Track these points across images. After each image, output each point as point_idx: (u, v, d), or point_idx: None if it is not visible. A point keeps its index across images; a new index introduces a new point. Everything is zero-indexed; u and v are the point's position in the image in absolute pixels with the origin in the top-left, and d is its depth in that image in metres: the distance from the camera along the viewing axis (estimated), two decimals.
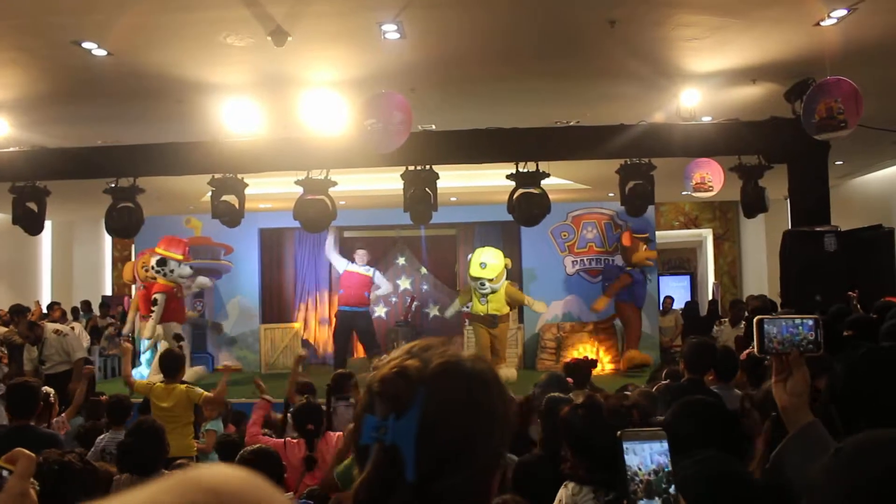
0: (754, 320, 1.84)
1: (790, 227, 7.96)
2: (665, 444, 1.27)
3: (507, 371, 10.77)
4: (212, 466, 0.54)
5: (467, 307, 11.60)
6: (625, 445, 1.25)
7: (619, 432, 1.29)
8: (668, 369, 6.02)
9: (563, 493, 2.60)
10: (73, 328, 9.49)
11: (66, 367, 8.21)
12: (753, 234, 16.44)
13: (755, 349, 1.87)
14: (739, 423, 2.73)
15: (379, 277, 12.20)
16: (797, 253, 7.48)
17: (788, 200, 8.33)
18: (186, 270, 11.33)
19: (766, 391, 2.76)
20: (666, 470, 1.25)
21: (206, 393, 5.97)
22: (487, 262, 11.05)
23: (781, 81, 7.70)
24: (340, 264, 12.27)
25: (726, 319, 10.26)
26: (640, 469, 1.24)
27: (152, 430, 4.38)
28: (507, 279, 11.38)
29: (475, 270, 11.02)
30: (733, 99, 8.28)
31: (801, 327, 1.84)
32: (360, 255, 12.08)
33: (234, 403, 7.88)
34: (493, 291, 10.99)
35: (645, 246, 12.44)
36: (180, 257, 11.21)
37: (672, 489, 1.24)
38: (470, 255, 11.37)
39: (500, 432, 1.09)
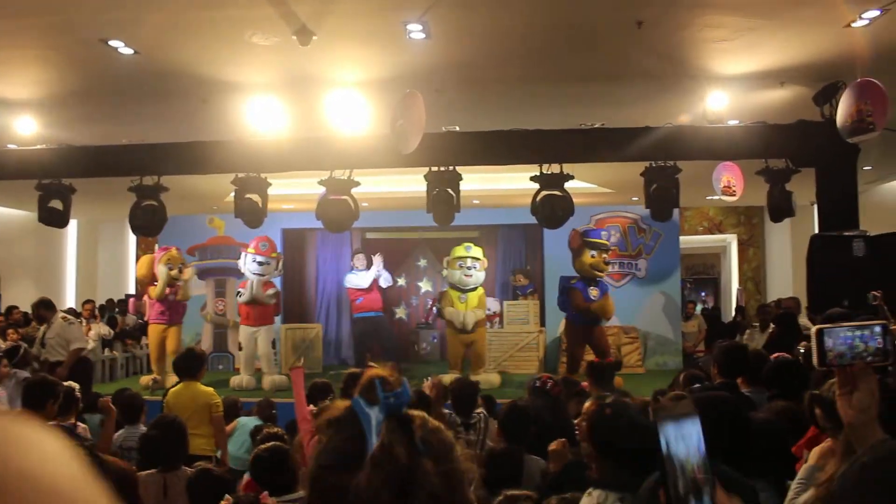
0: (813, 331, 1.70)
1: (817, 232, 7.85)
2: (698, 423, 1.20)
3: (489, 377, 10.56)
4: None
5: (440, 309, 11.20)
6: (664, 430, 1.18)
7: (651, 413, 1.26)
8: (687, 373, 5.93)
9: (586, 501, 2.51)
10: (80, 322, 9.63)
11: (62, 358, 8.26)
12: (778, 239, 16.26)
13: (815, 362, 1.72)
14: (751, 428, 2.62)
15: (380, 273, 12.02)
16: (825, 258, 7.35)
17: (816, 205, 8.21)
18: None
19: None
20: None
21: (220, 412, 6.00)
22: (471, 246, 11.02)
23: (810, 84, 7.61)
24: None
25: (756, 324, 10.15)
26: (688, 461, 1.17)
27: (176, 424, 4.42)
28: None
29: (460, 252, 10.92)
30: (761, 102, 8.18)
31: (865, 336, 1.66)
32: (359, 258, 12.01)
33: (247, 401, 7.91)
34: (476, 286, 10.81)
35: (593, 253, 10.44)
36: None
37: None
38: (447, 258, 11.24)
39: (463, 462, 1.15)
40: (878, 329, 1.67)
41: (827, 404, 2.60)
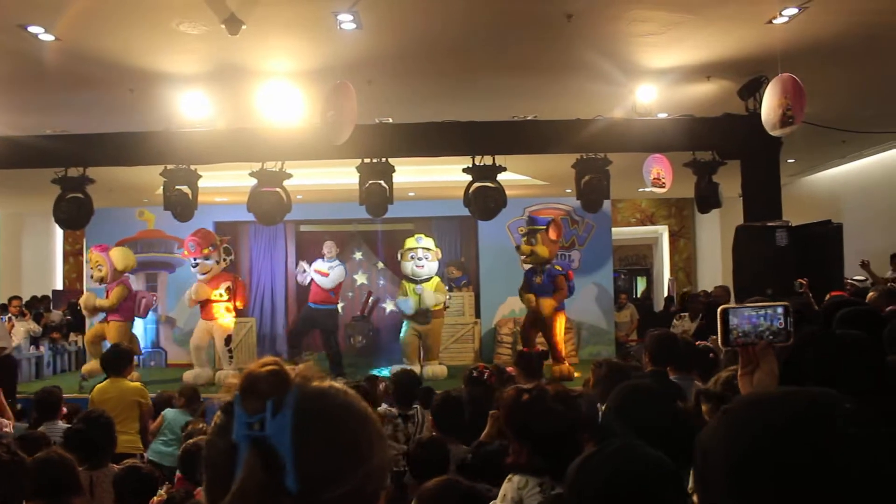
0: (718, 310, 1.74)
1: (743, 223, 8.06)
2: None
3: (436, 368, 10.55)
4: None
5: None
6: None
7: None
8: (606, 361, 6.00)
9: (507, 486, 2.51)
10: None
11: None
12: (708, 230, 16.66)
13: (719, 341, 1.75)
14: (683, 417, 2.67)
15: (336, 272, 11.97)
16: (749, 247, 7.57)
17: (742, 197, 8.44)
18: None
19: (724, 382, 2.70)
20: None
21: (150, 406, 5.92)
22: (422, 237, 11.00)
23: (735, 78, 7.80)
24: (310, 274, 11.93)
25: (686, 314, 10.38)
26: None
27: (102, 419, 4.33)
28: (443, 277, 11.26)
29: (411, 243, 10.91)
30: (688, 95, 8.35)
31: (769, 316, 1.73)
32: (328, 246, 11.85)
33: None
34: (429, 276, 10.81)
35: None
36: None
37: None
38: (400, 250, 11.21)
39: (380, 445, 1.03)
40: (780, 310, 1.74)
41: (713, 399, 2.66)
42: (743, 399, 0.96)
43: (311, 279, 11.47)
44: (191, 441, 4.23)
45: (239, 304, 11.19)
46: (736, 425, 0.90)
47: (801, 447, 0.83)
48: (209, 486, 1.00)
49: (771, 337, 1.73)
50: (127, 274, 10.76)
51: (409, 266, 10.84)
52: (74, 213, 8.30)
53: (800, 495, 0.81)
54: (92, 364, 10.28)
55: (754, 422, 0.89)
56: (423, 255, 10.80)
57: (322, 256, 11.64)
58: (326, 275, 11.34)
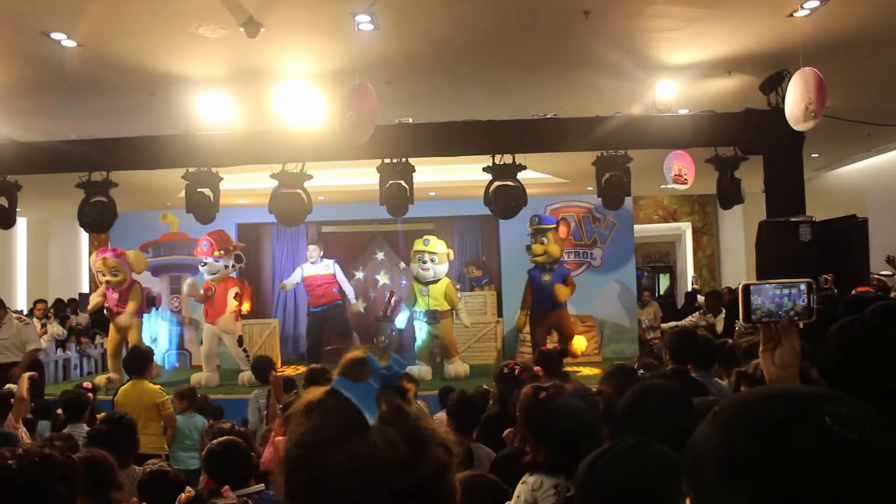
0: (740, 287, 1.71)
1: (766, 219, 7.98)
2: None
3: (458, 367, 10.51)
4: None
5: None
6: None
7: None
8: (641, 361, 5.98)
9: (521, 488, 2.50)
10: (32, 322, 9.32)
11: (17, 360, 8.08)
12: (732, 227, 16.52)
13: (741, 318, 1.72)
14: (698, 416, 2.65)
15: (340, 276, 12.24)
16: (772, 243, 7.50)
17: (765, 193, 8.36)
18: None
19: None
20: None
21: (170, 408, 5.94)
22: (430, 240, 10.95)
23: (756, 73, 7.73)
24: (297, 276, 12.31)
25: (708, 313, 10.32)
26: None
27: (125, 420, 4.37)
28: (450, 277, 11.22)
29: (418, 246, 10.88)
30: (709, 91, 8.29)
31: (791, 293, 1.69)
32: (312, 250, 12.06)
33: (211, 399, 7.85)
34: (436, 279, 10.74)
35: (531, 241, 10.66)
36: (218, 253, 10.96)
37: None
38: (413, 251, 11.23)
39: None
40: (803, 287, 1.70)
41: (754, 382, 2.63)
42: (733, 400, 0.96)
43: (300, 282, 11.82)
44: (215, 441, 4.23)
45: (245, 309, 11.25)
46: (727, 428, 0.90)
47: (789, 451, 0.83)
48: (331, 442, 1.05)
49: (795, 316, 1.70)
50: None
51: (415, 268, 10.85)
52: (98, 217, 8.38)
53: (789, 498, 0.82)
54: (101, 379, 10.31)
55: (744, 425, 0.89)
56: (429, 259, 10.72)
57: (308, 260, 11.97)
58: (327, 275, 11.68)
